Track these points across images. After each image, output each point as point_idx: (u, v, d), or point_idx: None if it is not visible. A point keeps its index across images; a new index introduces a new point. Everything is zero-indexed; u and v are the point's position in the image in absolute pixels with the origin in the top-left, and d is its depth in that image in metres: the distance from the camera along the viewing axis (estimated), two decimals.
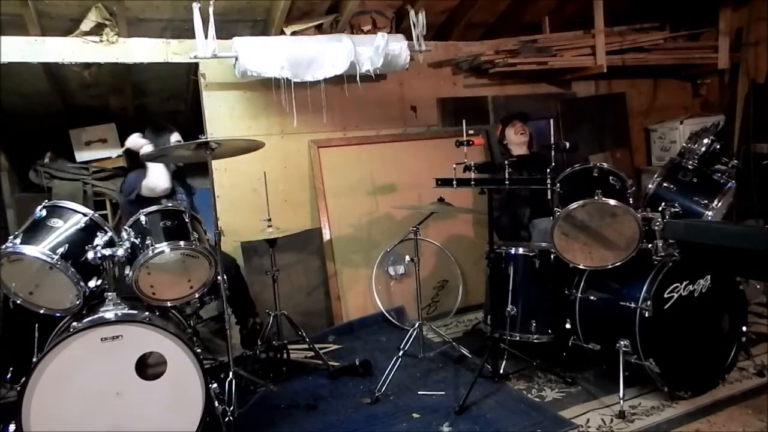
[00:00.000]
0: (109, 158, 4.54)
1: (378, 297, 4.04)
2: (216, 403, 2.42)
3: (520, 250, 3.21)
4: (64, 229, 2.51)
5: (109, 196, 4.54)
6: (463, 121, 3.07)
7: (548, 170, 2.81)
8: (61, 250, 2.42)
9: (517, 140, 3.79)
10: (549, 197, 2.89)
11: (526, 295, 3.16)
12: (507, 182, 2.89)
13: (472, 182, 2.98)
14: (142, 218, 2.61)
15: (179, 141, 3.33)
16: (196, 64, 3.73)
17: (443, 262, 4.23)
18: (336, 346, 3.67)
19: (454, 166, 2.99)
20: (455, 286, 4.21)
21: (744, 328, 2.88)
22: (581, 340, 2.96)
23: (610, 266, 2.80)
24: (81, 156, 4.46)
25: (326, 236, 4.00)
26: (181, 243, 2.57)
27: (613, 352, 2.74)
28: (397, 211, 4.10)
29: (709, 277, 2.75)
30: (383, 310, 4.01)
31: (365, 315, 4.02)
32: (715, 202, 2.85)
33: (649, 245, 2.73)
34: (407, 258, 3.53)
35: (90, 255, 2.38)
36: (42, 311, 2.48)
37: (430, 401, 2.87)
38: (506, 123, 3.86)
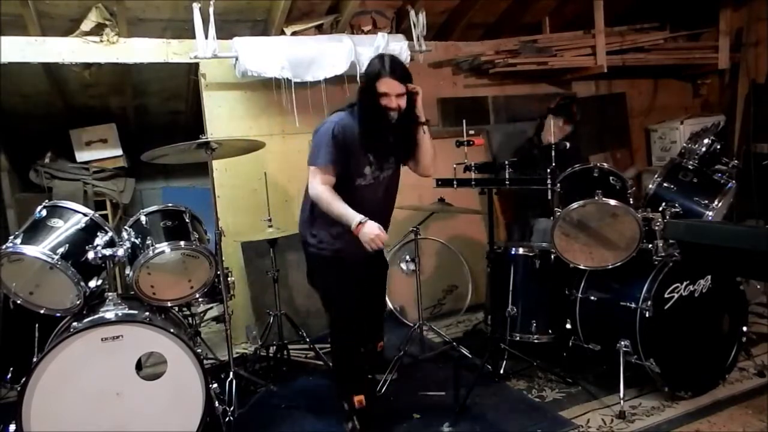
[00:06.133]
0: (110, 158, 4.54)
1: (388, 296, 4.02)
2: (216, 403, 2.43)
3: (520, 250, 3.21)
4: (64, 229, 2.52)
5: (109, 196, 4.54)
6: (463, 121, 3.06)
7: (548, 170, 2.79)
8: (61, 250, 2.42)
9: (552, 131, 3.47)
10: (549, 197, 2.88)
11: (527, 296, 3.16)
12: (507, 182, 2.89)
13: (473, 182, 2.97)
14: (143, 218, 2.63)
15: None
16: (197, 64, 3.72)
17: (452, 261, 4.20)
18: None
19: (454, 166, 2.99)
20: (465, 286, 4.19)
21: (744, 329, 2.88)
22: (581, 340, 2.96)
23: (610, 266, 2.80)
24: (81, 156, 4.45)
25: None
26: (182, 243, 2.58)
27: (614, 352, 2.74)
28: (398, 211, 4.06)
29: (709, 277, 2.75)
30: (391, 307, 3.99)
31: None
32: (716, 202, 2.85)
33: (650, 245, 2.73)
34: (407, 258, 3.51)
35: (90, 255, 2.39)
36: (42, 311, 2.49)
37: (430, 401, 2.87)
38: (556, 111, 3.61)
